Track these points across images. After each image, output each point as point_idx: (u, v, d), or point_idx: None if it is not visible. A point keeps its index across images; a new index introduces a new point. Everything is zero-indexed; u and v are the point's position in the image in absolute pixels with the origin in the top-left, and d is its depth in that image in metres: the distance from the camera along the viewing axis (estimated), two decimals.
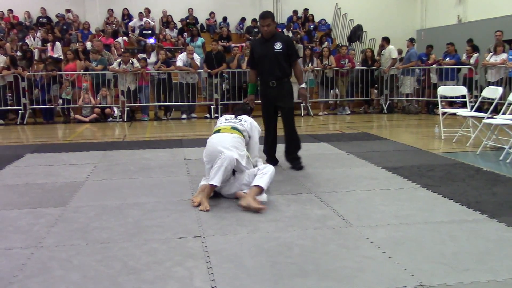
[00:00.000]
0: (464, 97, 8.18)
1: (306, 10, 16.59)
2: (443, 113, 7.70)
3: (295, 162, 5.34)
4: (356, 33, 15.59)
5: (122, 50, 12.11)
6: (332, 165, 5.46)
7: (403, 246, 3.05)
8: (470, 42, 11.47)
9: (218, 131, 4.34)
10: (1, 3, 15.09)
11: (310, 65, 11.34)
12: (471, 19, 14.71)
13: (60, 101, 10.61)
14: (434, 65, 11.35)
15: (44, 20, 15.15)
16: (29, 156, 6.25)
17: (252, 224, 3.49)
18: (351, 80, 11.75)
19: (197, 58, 11.01)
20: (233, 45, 13.40)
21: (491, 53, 10.52)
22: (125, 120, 10.42)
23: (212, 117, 10.75)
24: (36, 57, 12.36)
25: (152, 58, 11.36)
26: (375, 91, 11.86)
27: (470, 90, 10.09)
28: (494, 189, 4.36)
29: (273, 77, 5.19)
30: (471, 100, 9.10)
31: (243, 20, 16.09)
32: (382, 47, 12.17)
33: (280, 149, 5.51)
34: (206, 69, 10.91)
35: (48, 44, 12.83)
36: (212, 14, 16.24)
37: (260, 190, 3.93)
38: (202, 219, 3.60)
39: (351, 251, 2.98)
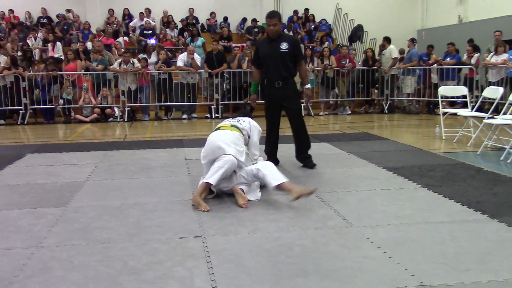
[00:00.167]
0: (465, 97, 8.18)
1: (306, 10, 16.58)
2: (444, 113, 7.69)
3: (307, 161, 5.36)
4: (357, 33, 15.58)
5: (122, 50, 12.11)
6: (333, 165, 5.46)
7: (404, 246, 3.05)
8: (471, 42, 11.47)
9: (218, 129, 4.40)
10: (2, 3, 15.10)
11: (310, 65, 11.34)
12: (472, 19, 14.70)
13: (61, 101, 10.61)
14: (435, 65, 11.35)
15: (45, 20, 15.16)
16: (29, 156, 6.25)
17: (253, 224, 3.49)
18: (352, 80, 11.75)
19: (197, 58, 11.01)
20: (233, 45, 13.41)
21: (492, 53, 10.51)
22: (125, 120, 10.43)
23: (213, 117, 10.75)
24: (37, 57, 12.38)
25: (153, 58, 11.36)
26: (376, 91, 11.86)
27: (471, 90, 10.09)
28: (494, 189, 4.36)
29: (279, 77, 5.18)
30: (472, 100, 9.10)
31: (244, 20, 16.08)
32: (382, 47, 12.17)
33: (281, 149, 5.51)
34: (207, 69, 10.91)
35: (49, 44, 12.84)
36: (212, 14, 16.24)
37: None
38: (203, 219, 3.60)
39: (351, 251, 2.98)
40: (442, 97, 7.81)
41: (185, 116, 10.93)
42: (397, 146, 6.73)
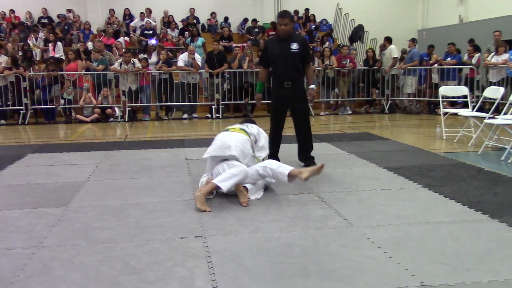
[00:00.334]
0: (465, 97, 8.17)
1: (307, 10, 16.59)
2: (445, 113, 7.68)
3: (310, 161, 5.38)
4: (358, 33, 15.58)
5: (123, 50, 12.11)
6: (333, 165, 5.46)
7: (404, 246, 3.04)
8: (471, 42, 11.47)
9: (226, 130, 4.47)
10: (3, 3, 15.12)
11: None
12: (473, 19, 14.69)
13: (62, 101, 10.62)
14: (436, 65, 11.34)
15: (46, 20, 15.17)
16: (30, 156, 6.26)
17: (253, 224, 3.49)
18: (353, 80, 11.75)
19: (198, 58, 11.01)
20: (234, 45, 13.40)
21: (493, 53, 10.51)
22: (126, 120, 10.43)
23: (214, 117, 10.75)
24: (38, 57, 12.39)
25: (153, 58, 11.37)
26: (376, 91, 11.86)
27: (471, 90, 10.08)
28: (495, 189, 4.36)
29: (288, 78, 5.17)
30: (473, 100, 9.10)
31: (245, 20, 16.08)
32: (383, 47, 12.16)
33: (282, 149, 5.51)
34: (208, 69, 10.91)
35: (50, 44, 12.86)
36: (213, 14, 16.24)
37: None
38: (203, 219, 3.60)
39: (352, 251, 2.98)
40: (442, 97, 7.81)
41: (185, 116, 10.93)
42: (398, 146, 6.72)
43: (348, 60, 11.60)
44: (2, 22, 14.75)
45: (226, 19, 16.04)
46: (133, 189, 4.53)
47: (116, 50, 12.61)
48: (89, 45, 12.66)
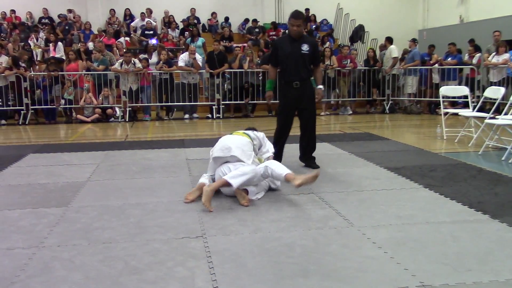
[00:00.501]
0: (466, 97, 8.17)
1: (307, 10, 16.56)
2: (445, 113, 7.68)
3: (311, 161, 5.39)
4: (358, 33, 15.58)
5: (124, 50, 12.12)
6: (334, 165, 5.46)
7: (405, 246, 3.04)
8: (472, 42, 11.46)
9: (230, 134, 4.54)
10: (4, 3, 15.13)
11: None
12: (473, 19, 14.68)
13: (62, 101, 10.62)
14: (436, 65, 11.33)
15: (46, 20, 15.18)
16: (31, 156, 6.26)
17: (254, 224, 3.49)
18: (353, 80, 11.74)
19: (199, 58, 11.01)
20: (234, 45, 13.41)
21: (493, 53, 10.50)
22: (127, 120, 10.44)
23: (214, 117, 10.75)
24: (39, 58, 12.39)
25: (154, 59, 11.36)
26: (377, 91, 11.85)
27: (472, 90, 10.07)
28: (496, 189, 4.36)
29: (297, 78, 5.17)
30: (473, 100, 9.09)
31: (246, 21, 16.08)
32: (383, 47, 12.15)
33: (285, 149, 5.50)
34: (208, 69, 10.91)
35: (50, 44, 12.86)
36: (213, 14, 16.24)
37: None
38: (204, 219, 3.60)
39: (352, 251, 2.98)
40: (443, 97, 7.80)
41: (186, 116, 10.93)
42: (398, 146, 6.72)
43: (349, 60, 11.60)
44: (2, 22, 14.76)
45: (226, 19, 16.04)
46: (133, 189, 4.53)
47: (117, 50, 12.61)
48: (90, 45, 12.66)
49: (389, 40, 11.92)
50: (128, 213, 3.77)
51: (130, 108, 10.64)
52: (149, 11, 15.39)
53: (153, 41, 13.63)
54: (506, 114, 6.64)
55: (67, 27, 14.99)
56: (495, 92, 7.03)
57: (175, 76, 11.10)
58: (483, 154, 6.10)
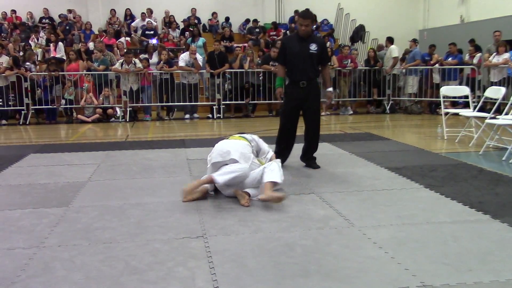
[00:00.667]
0: (466, 97, 8.17)
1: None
2: (446, 113, 7.68)
3: (311, 161, 5.39)
4: (359, 33, 15.57)
5: (125, 50, 12.12)
6: (335, 165, 5.46)
7: (406, 246, 3.04)
8: (472, 42, 11.45)
9: (226, 138, 4.55)
10: (4, 3, 15.13)
11: None
12: (474, 19, 14.68)
13: (63, 101, 10.62)
14: (437, 65, 11.33)
15: (47, 20, 15.18)
16: (32, 156, 6.26)
17: (255, 224, 3.49)
18: (354, 80, 11.74)
19: (199, 58, 11.02)
20: (235, 45, 13.41)
21: (494, 53, 10.50)
22: (127, 120, 10.44)
23: (215, 117, 10.75)
24: (39, 58, 12.39)
25: (154, 59, 11.37)
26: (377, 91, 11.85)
27: (473, 90, 10.07)
28: (497, 189, 4.35)
29: (304, 77, 5.16)
30: (474, 100, 9.09)
31: (247, 21, 16.07)
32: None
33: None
34: (209, 69, 10.91)
35: (51, 45, 12.86)
36: (214, 14, 16.24)
37: (273, 184, 3.97)
38: (205, 219, 3.60)
39: (353, 251, 2.98)
40: (444, 97, 7.80)
41: (187, 116, 10.93)
42: (399, 146, 6.72)
43: (349, 60, 11.60)
44: (3, 22, 14.77)
45: (227, 19, 16.04)
46: (134, 189, 4.54)
47: (118, 50, 12.61)
48: (90, 45, 12.66)
49: (390, 40, 11.93)
50: (129, 213, 3.77)
51: (131, 108, 10.64)
52: (150, 11, 15.39)
53: (154, 41, 13.63)
54: (506, 114, 6.64)
55: (67, 27, 15.00)
56: (495, 92, 7.02)
57: (175, 76, 11.11)
58: (483, 154, 6.10)
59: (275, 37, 14.48)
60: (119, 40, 13.72)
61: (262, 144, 4.71)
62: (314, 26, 15.88)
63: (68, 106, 10.61)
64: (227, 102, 11.12)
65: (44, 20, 15.21)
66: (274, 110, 11.24)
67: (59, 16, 15.43)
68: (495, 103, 7.03)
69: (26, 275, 2.69)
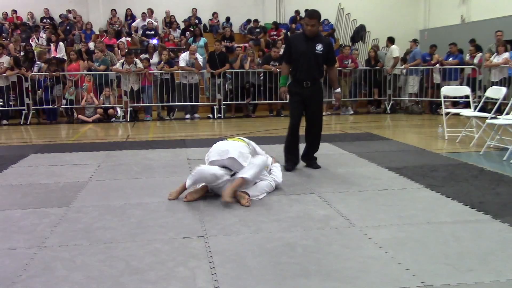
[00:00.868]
0: (467, 97, 8.16)
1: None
2: (447, 113, 7.67)
3: (312, 161, 5.39)
4: (359, 33, 15.56)
5: (126, 50, 12.13)
6: (335, 165, 5.46)
7: (406, 246, 3.04)
8: (473, 42, 11.45)
9: (225, 139, 4.59)
10: (5, 3, 15.14)
11: None
12: (474, 19, 14.66)
13: (64, 101, 10.63)
14: (437, 65, 11.32)
15: (48, 20, 15.19)
16: (32, 156, 6.27)
17: (255, 224, 3.49)
18: (354, 80, 11.74)
19: (200, 58, 11.02)
20: (236, 45, 13.42)
21: (495, 54, 10.49)
22: (128, 120, 10.44)
23: (215, 117, 10.75)
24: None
25: (155, 59, 11.37)
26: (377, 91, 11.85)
27: (473, 90, 10.07)
28: (497, 189, 4.35)
29: (309, 77, 5.15)
30: (475, 100, 9.08)
31: (248, 21, 16.07)
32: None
33: (279, 148, 5.48)
34: (209, 69, 10.92)
35: (52, 45, 12.87)
36: (215, 14, 16.23)
37: (242, 181, 4.00)
38: (205, 219, 3.60)
39: (354, 251, 2.98)
40: (444, 97, 7.79)
41: (187, 116, 10.94)
42: (400, 146, 6.72)
43: (350, 60, 11.59)
44: (4, 22, 14.77)
45: (228, 19, 16.04)
46: (135, 189, 4.54)
47: (119, 51, 12.61)
48: (91, 45, 12.66)
49: (391, 40, 11.92)
50: (129, 213, 3.77)
51: (131, 108, 10.64)
52: (150, 11, 15.39)
53: (154, 41, 13.63)
54: (507, 114, 6.63)
55: (68, 27, 15.00)
56: (496, 92, 7.02)
57: (176, 76, 11.11)
58: (484, 154, 6.09)
59: (275, 37, 14.47)
60: (120, 40, 13.72)
61: (258, 149, 4.69)
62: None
63: (68, 106, 10.62)
64: (228, 102, 11.12)
65: (44, 20, 15.21)
66: (274, 110, 11.24)
67: (60, 16, 15.43)
68: (495, 103, 7.03)
69: (26, 275, 2.69)
